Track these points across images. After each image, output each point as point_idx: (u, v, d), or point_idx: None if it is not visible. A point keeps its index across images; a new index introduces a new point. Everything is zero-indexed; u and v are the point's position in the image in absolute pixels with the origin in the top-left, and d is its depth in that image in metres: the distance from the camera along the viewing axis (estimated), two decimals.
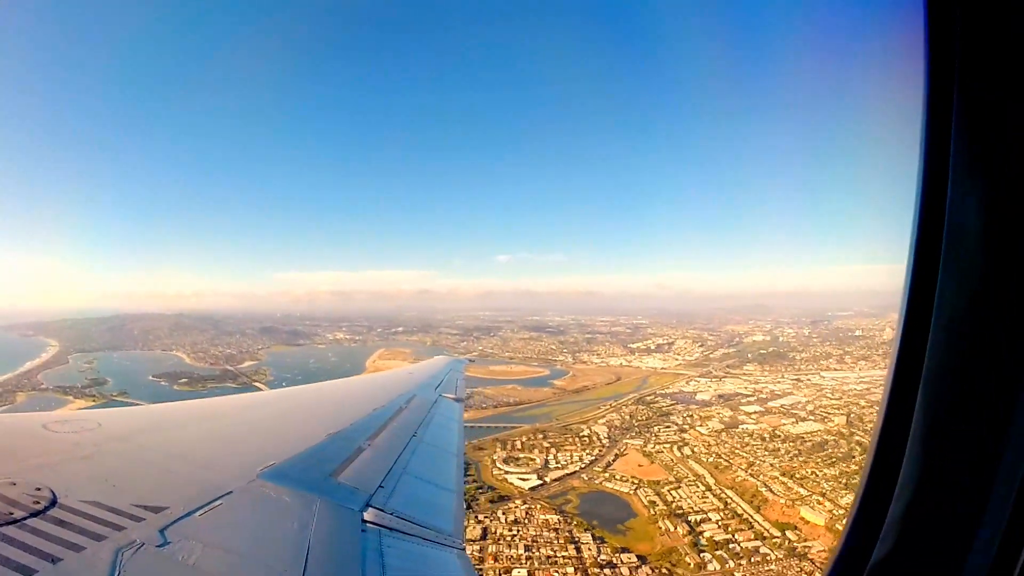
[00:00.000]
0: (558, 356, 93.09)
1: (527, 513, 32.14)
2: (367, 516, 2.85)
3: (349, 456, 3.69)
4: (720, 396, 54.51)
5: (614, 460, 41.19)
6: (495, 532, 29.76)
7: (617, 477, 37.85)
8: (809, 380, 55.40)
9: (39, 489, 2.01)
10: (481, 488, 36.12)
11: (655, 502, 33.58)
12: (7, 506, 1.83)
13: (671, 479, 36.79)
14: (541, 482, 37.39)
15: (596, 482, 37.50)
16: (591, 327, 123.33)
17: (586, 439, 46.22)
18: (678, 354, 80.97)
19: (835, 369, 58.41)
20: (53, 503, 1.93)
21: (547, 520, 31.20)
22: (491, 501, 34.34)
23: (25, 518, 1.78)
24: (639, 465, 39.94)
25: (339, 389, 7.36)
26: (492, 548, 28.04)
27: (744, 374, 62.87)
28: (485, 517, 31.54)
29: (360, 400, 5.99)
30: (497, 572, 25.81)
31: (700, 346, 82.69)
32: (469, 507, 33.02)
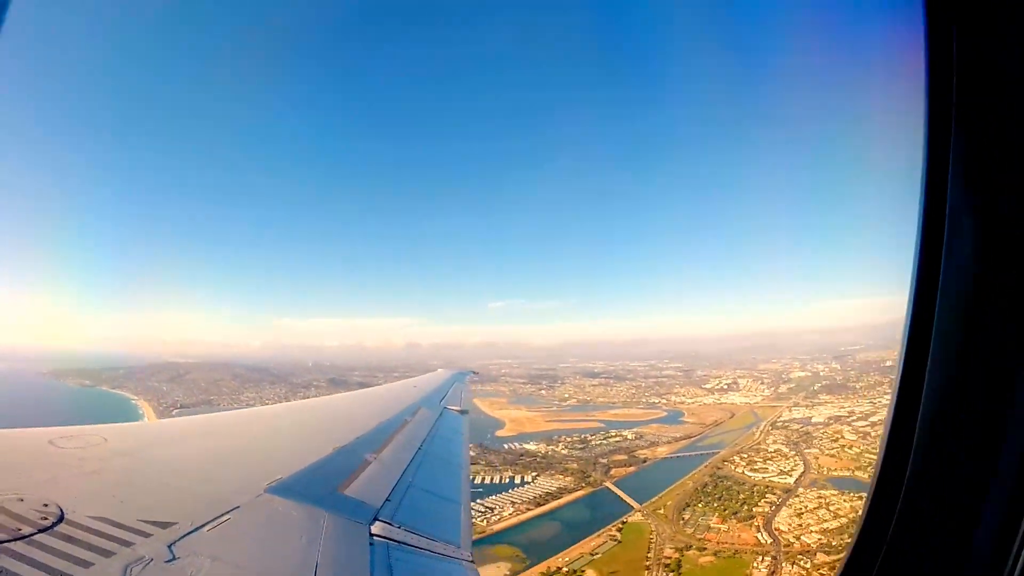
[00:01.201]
0: (649, 399, 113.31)
1: (818, 495, 52.24)
2: (375, 530, 2.90)
3: (355, 470, 3.78)
4: (830, 418, 78.69)
5: (815, 460, 62.55)
6: (822, 506, 48.99)
7: (832, 470, 59.09)
8: (880, 402, 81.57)
9: (46, 505, 2.01)
10: (768, 487, 55.45)
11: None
12: (15, 522, 1.83)
13: (866, 465, 58.89)
14: (793, 479, 57.33)
15: (823, 473, 58.43)
16: (637, 371, 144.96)
17: (777, 453, 67.05)
18: (750, 392, 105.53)
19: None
20: (61, 519, 1.93)
21: (831, 494, 51.58)
22: (783, 492, 53.80)
23: (33, 534, 1.78)
24: (834, 461, 61.53)
25: (344, 403, 7.75)
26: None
27: (827, 402, 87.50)
28: (798, 501, 51.00)
29: (365, 414, 6.26)
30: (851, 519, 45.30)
31: (761, 383, 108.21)
32: (772, 493, 52.27)
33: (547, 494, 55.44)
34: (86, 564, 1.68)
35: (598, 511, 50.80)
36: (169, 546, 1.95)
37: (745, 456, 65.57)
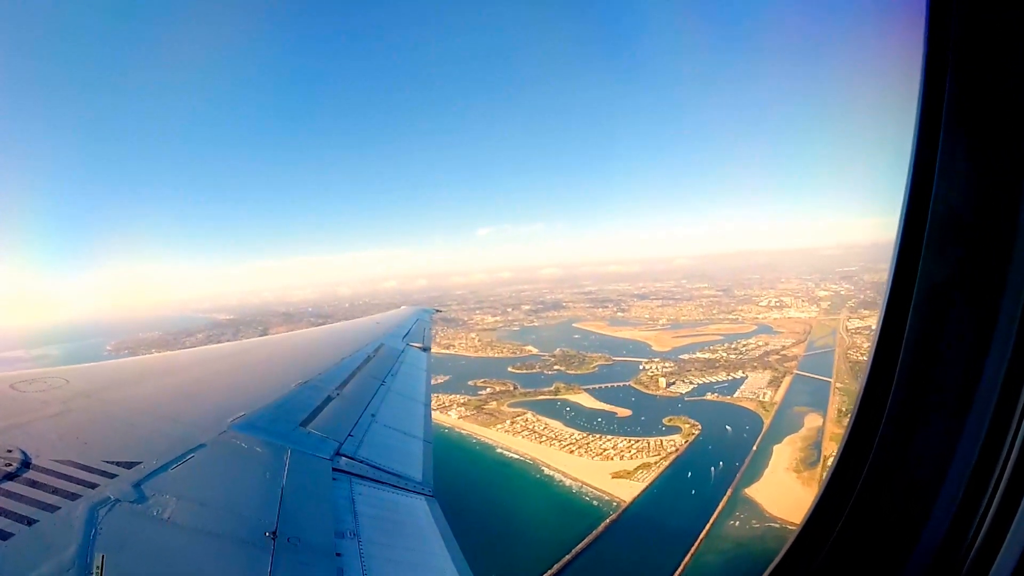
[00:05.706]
0: (726, 315, 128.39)
1: None
2: (338, 465, 2.95)
3: (319, 405, 3.80)
4: None
5: None
6: None
7: None
8: None
9: (10, 451, 1.99)
10: None
11: None
12: None
13: None
14: None
15: None
16: (674, 292, 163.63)
17: None
18: (801, 309, 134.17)
19: None
20: (25, 464, 1.92)
21: None
22: None
23: None
24: None
25: (308, 339, 7.80)
26: None
27: (869, 316, 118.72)
28: None
29: (328, 350, 6.24)
30: None
31: (804, 301, 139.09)
32: None
33: (771, 379, 78.36)
34: (52, 508, 1.68)
35: (813, 383, 75.27)
36: (135, 486, 1.96)
37: (853, 351, 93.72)
